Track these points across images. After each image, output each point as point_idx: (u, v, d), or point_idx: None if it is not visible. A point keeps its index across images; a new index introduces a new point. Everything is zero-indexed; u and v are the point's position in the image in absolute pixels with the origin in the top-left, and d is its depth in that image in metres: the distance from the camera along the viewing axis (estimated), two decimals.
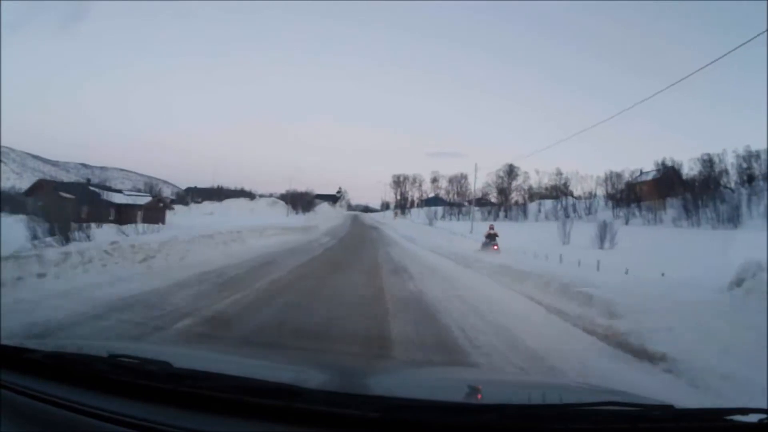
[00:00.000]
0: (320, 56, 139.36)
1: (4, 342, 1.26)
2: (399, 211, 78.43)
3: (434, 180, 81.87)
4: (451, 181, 78.07)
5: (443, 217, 65.39)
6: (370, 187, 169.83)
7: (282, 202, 65.07)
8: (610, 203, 56.58)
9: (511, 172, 70.44)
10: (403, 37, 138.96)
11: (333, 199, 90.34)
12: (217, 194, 70.43)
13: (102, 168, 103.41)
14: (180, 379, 1.02)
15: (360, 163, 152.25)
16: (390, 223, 48.13)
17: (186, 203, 65.79)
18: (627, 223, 46.80)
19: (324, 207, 72.06)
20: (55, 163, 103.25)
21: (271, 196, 73.42)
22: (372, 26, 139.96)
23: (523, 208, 65.79)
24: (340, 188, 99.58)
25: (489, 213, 64.25)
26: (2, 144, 72.02)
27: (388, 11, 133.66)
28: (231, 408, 0.93)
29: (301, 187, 74.45)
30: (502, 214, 65.79)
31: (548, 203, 63.05)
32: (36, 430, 0.95)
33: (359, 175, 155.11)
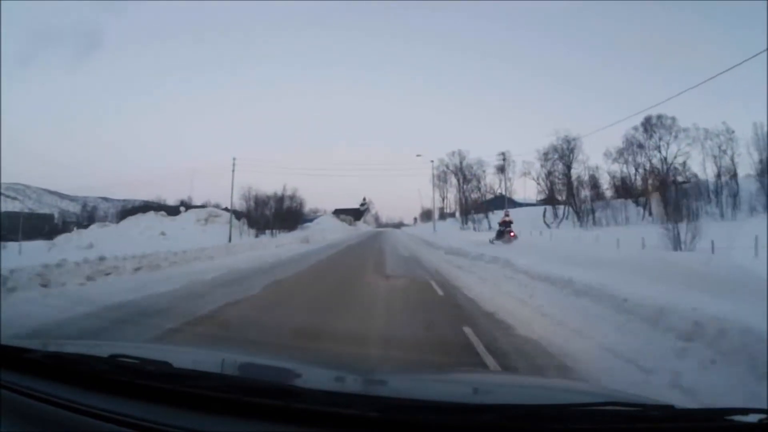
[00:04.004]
0: (351, 71, 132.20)
1: (4, 342, 1.27)
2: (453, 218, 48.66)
3: (501, 169, 46.20)
4: (557, 151, 40.70)
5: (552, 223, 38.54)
6: (405, 198, 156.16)
7: (225, 215, 37.25)
8: None
9: (649, 130, 37.09)
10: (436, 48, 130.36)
11: (356, 213, 74.63)
12: (142, 209, 43.36)
13: (124, 201, 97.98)
14: (180, 379, 1.03)
15: (391, 177, 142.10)
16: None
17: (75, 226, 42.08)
18: None
19: (325, 222, 49.40)
20: (73, 198, 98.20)
21: (203, 206, 45.51)
22: (383, 35, 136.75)
23: (733, 197, 34.57)
24: (364, 199, 79.34)
25: (648, 210, 36.24)
26: (18, 181, 70.62)
27: (387, 16, 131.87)
28: (231, 408, 0.93)
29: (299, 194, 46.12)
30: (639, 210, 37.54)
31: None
32: (36, 430, 0.95)
33: (392, 189, 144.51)
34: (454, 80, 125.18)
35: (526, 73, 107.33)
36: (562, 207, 41.82)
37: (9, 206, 63.96)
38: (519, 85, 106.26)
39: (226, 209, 39.43)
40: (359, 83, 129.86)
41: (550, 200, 43.40)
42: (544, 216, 39.62)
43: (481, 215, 44.17)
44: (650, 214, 35.94)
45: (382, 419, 0.88)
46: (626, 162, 40.81)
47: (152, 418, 0.91)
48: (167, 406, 0.95)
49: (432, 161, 42.85)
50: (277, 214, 40.04)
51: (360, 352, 3.63)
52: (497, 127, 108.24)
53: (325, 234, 32.32)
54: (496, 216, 35.90)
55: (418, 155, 44.16)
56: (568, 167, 41.47)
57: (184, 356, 1.56)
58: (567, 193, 41.03)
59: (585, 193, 41.44)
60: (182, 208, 44.18)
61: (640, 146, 39.20)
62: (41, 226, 44.35)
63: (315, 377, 1.33)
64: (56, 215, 53.78)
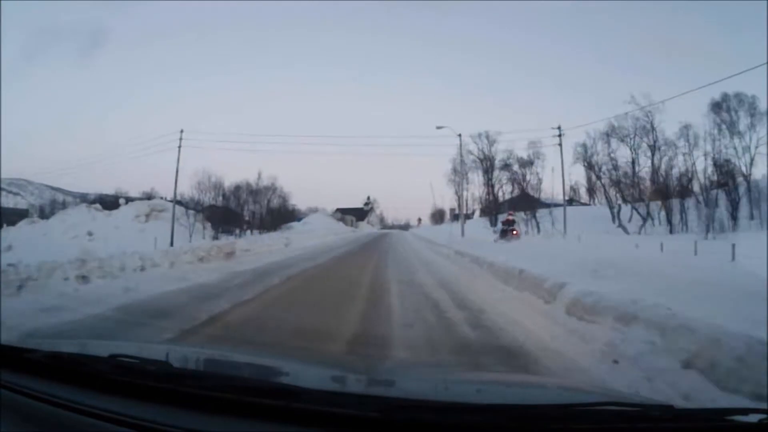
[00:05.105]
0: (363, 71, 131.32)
1: (4, 342, 1.27)
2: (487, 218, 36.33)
3: (528, 163, 38.48)
4: (616, 132, 31.84)
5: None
6: (411, 198, 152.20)
7: (177, 209, 27.39)
8: None
9: (727, 111, 27.91)
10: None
11: (359, 213, 68.91)
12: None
13: (129, 198, 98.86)
14: (180, 379, 1.03)
15: (398, 175, 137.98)
16: None
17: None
18: None
19: (316, 221, 41.19)
20: (75, 195, 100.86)
21: (149, 198, 37.24)
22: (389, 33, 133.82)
23: None
24: (368, 198, 73.28)
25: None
26: (20, 177, 70.47)
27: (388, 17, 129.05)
28: (231, 408, 0.93)
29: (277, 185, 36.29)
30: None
31: None
32: (36, 430, 0.95)
33: (397, 189, 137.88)
34: (464, 68, 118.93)
35: (542, 63, 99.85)
36: (623, 206, 32.52)
37: (11, 202, 63.85)
38: (538, 73, 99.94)
39: (177, 202, 29.66)
40: (361, 78, 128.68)
41: (608, 200, 33.39)
42: (617, 218, 30.81)
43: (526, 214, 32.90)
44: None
45: (382, 419, 0.88)
46: (687, 153, 30.61)
47: (152, 418, 0.91)
48: (167, 406, 0.95)
49: (459, 135, 28.74)
50: (250, 210, 31.12)
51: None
52: (513, 120, 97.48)
53: (305, 239, 20.77)
54: (552, 216, 29.51)
55: (438, 127, 26.52)
56: (651, 148, 30.52)
57: (184, 356, 1.56)
58: (653, 187, 30.24)
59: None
60: (122, 201, 36.18)
61: (731, 126, 28.77)
62: (16, 222, 39.64)
63: (315, 377, 1.33)
64: (30, 211, 50.52)
